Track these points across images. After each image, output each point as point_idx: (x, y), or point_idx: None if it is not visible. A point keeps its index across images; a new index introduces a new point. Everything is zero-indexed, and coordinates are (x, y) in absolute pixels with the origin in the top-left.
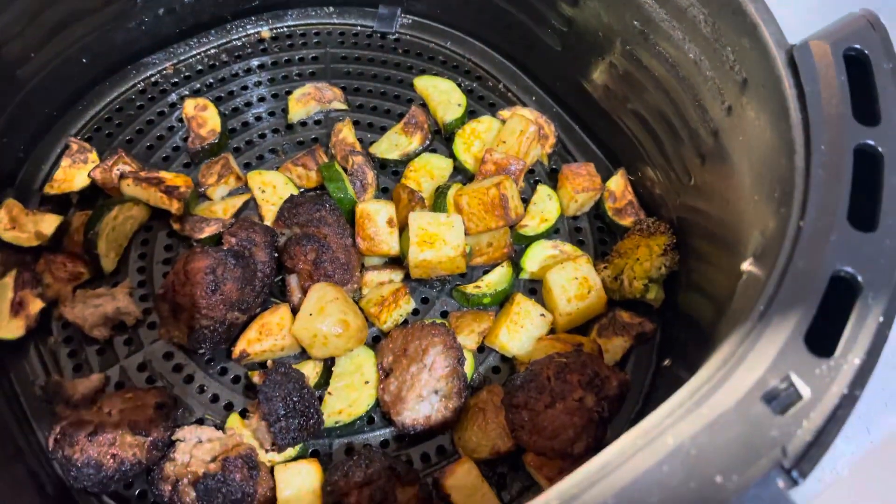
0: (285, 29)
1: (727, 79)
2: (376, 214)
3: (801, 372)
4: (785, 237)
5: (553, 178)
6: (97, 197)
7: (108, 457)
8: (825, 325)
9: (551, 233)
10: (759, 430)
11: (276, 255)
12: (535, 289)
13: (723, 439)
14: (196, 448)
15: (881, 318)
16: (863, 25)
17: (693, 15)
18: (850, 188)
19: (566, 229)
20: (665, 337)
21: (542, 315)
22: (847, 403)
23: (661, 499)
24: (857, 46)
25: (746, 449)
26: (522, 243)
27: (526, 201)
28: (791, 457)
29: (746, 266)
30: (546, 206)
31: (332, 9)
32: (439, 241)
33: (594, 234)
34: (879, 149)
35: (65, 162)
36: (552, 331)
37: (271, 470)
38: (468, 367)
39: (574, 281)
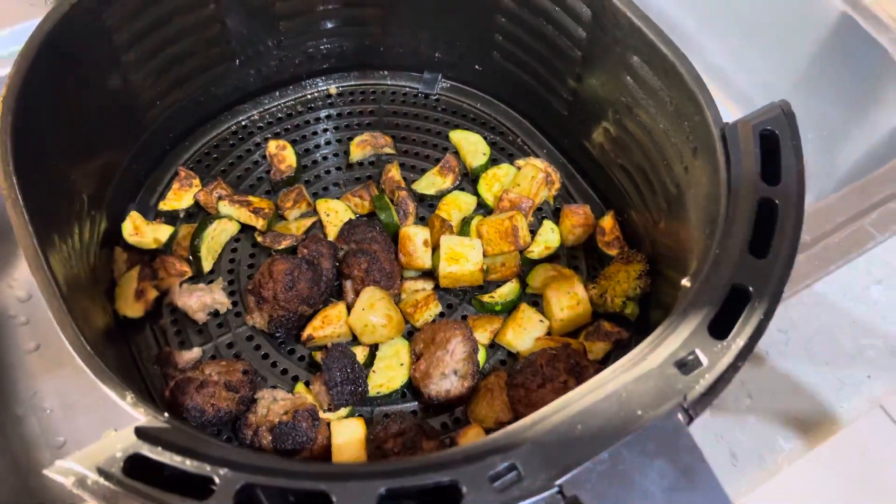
0: (348, 87)
1: (685, 145)
2: (415, 236)
3: (703, 348)
4: (706, 260)
5: (556, 215)
6: (199, 213)
7: (210, 405)
8: (724, 319)
9: (552, 258)
10: (669, 383)
11: (337, 264)
12: (537, 301)
13: (645, 388)
14: (273, 404)
15: (762, 316)
16: (777, 113)
17: (662, 97)
18: (752, 227)
19: (565, 256)
20: (638, 342)
21: (541, 321)
22: (732, 370)
23: (601, 422)
24: (770, 128)
25: (660, 395)
26: (529, 265)
27: (533, 232)
28: (689, 402)
29: (684, 281)
30: (549, 237)
31: (385, 73)
32: (463, 258)
33: (587, 260)
34: (776, 201)
35: (175, 185)
36: (549, 333)
37: (328, 424)
38: (481, 357)
39: (567, 295)
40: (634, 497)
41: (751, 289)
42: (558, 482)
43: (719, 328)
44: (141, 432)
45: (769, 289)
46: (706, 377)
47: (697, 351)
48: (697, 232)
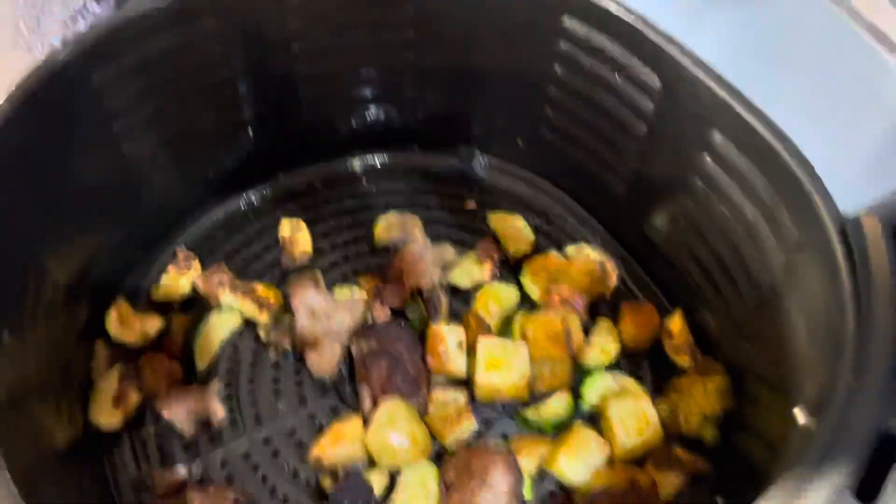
0: (375, 163)
1: (785, 239)
2: (447, 336)
3: None
4: (835, 393)
5: (614, 313)
6: (197, 302)
7: None
8: (868, 476)
9: (611, 365)
10: None
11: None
12: (595, 418)
13: None
14: None
15: None
16: None
17: (752, 180)
18: None
19: (625, 363)
20: (720, 475)
21: (600, 445)
22: None
23: None
24: None
25: None
26: (582, 373)
27: (586, 332)
28: None
29: (799, 415)
30: (606, 341)
31: (416, 147)
32: (506, 366)
33: (652, 368)
34: None
35: (171, 269)
36: (610, 460)
37: None
38: (526, 490)
39: (633, 416)
40: None
41: None
42: None
43: (864, 488)
44: None
45: None
46: None
47: None
48: (809, 350)
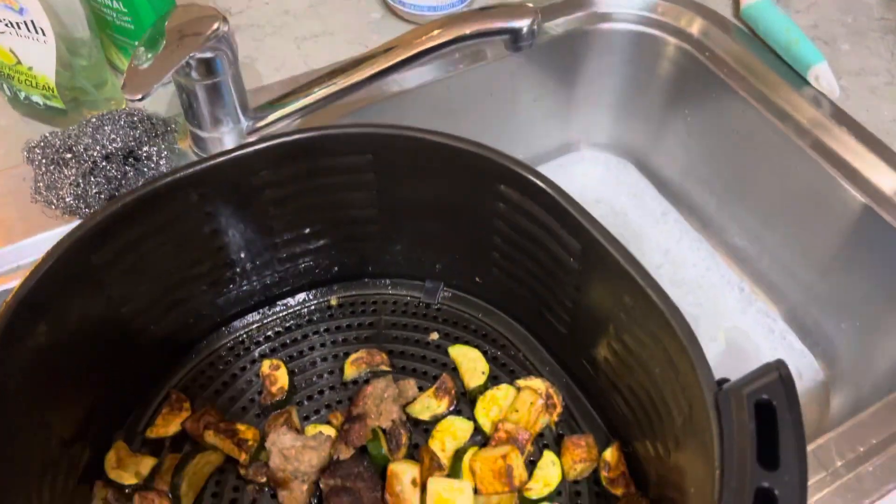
0: (350, 297)
1: (681, 398)
2: (403, 475)
3: None
4: None
5: (559, 444)
6: (185, 440)
7: None
8: None
9: (553, 495)
10: None
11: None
12: None
13: None
14: None
15: None
16: (774, 378)
17: (657, 341)
18: None
19: (567, 492)
20: None
21: None
22: None
23: None
24: (766, 396)
25: None
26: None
27: (533, 463)
28: None
29: None
30: (549, 472)
31: (388, 281)
32: None
33: (591, 498)
34: (776, 492)
35: (165, 409)
36: None
37: None
38: None
39: None
40: None
41: None
42: None
43: None
44: None
45: None
46: None
47: None
48: (703, 490)
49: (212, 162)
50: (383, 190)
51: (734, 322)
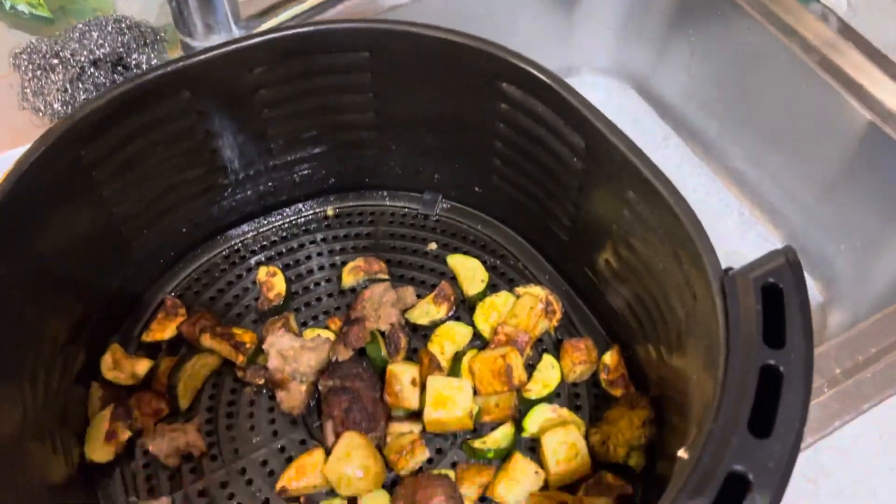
0: (346, 208)
1: (685, 290)
2: (402, 375)
3: None
4: (702, 434)
5: (558, 348)
6: (182, 344)
7: None
8: None
9: (552, 397)
10: None
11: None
12: (535, 447)
13: None
14: None
15: None
16: (781, 262)
17: (661, 235)
18: (752, 401)
19: (566, 394)
20: (646, 498)
21: (537, 472)
22: None
23: None
24: (773, 280)
25: None
26: (526, 404)
27: (532, 367)
28: None
29: (681, 452)
30: (549, 374)
31: (385, 193)
32: (451, 402)
33: (590, 399)
34: (780, 368)
35: (160, 315)
36: (545, 486)
37: None
38: None
39: (564, 445)
40: None
41: (751, 477)
42: None
43: None
44: None
45: (772, 477)
46: None
47: None
48: (701, 384)
49: (203, 56)
50: (381, 92)
51: (734, 246)
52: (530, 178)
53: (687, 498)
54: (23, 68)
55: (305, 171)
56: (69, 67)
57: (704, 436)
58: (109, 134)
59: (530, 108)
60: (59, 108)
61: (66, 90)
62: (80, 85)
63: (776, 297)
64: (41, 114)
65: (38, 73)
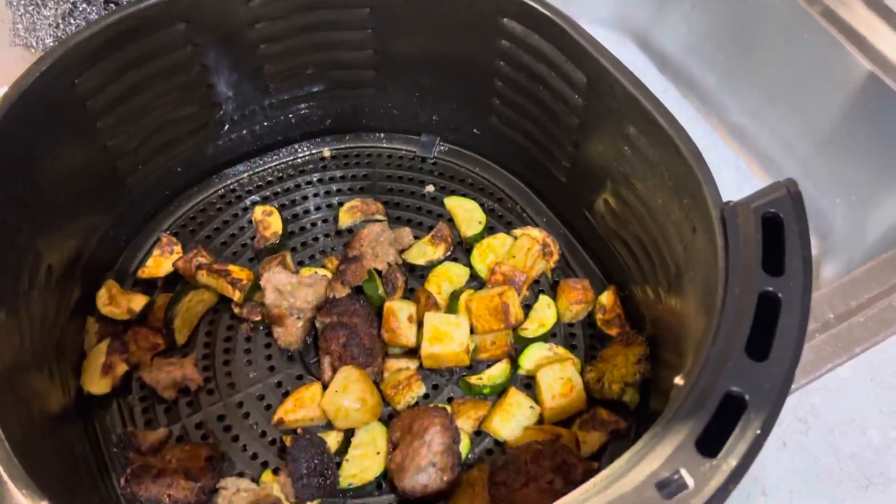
0: (342, 149)
1: (684, 223)
2: (399, 311)
3: (689, 467)
4: (698, 360)
5: (555, 290)
6: (178, 281)
7: (166, 496)
8: (716, 432)
9: (548, 336)
10: None
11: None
12: (530, 384)
13: None
14: (235, 495)
15: (759, 431)
16: (783, 193)
17: (660, 171)
18: (750, 325)
19: (562, 334)
20: (639, 434)
21: (532, 407)
22: (721, 495)
23: None
24: (774, 210)
25: None
26: (522, 343)
27: (529, 307)
28: None
29: (678, 379)
30: (545, 314)
31: (381, 135)
32: (447, 338)
33: (586, 339)
34: (779, 294)
35: (156, 252)
36: (540, 421)
37: None
38: (464, 446)
39: (559, 380)
40: None
41: (747, 397)
42: None
43: (710, 443)
44: None
45: (767, 398)
46: (692, 503)
47: (682, 471)
48: (696, 321)
49: None
50: (380, 29)
51: (730, 200)
52: (530, 118)
53: (684, 416)
54: (14, 4)
55: (302, 111)
56: (61, 3)
57: (702, 359)
58: (103, 63)
59: (532, 44)
60: (51, 44)
61: (57, 26)
62: (72, 20)
63: (777, 227)
64: (33, 50)
65: (30, 8)
